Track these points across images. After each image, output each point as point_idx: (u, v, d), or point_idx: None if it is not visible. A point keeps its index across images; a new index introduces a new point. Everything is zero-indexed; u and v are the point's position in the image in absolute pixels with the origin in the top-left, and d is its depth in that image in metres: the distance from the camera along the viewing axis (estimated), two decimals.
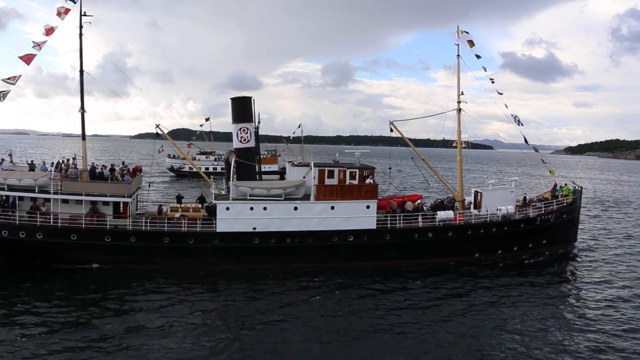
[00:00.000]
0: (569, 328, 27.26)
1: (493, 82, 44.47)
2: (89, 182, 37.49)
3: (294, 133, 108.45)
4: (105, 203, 37.30)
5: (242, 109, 42.05)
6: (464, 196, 45.32)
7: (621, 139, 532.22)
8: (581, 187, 49.04)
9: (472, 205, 44.04)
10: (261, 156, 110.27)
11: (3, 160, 39.06)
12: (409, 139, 45.59)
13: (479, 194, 43.36)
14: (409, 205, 41.29)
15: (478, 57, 44.20)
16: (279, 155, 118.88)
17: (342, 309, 29.30)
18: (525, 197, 47.70)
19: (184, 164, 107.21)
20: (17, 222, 35.05)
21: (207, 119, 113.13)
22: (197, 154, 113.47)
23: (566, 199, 45.37)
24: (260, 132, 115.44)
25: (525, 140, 46.56)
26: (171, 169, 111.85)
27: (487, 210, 41.44)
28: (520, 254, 42.18)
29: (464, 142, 45.06)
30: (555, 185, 48.75)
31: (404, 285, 34.07)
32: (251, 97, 42.46)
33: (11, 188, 36.42)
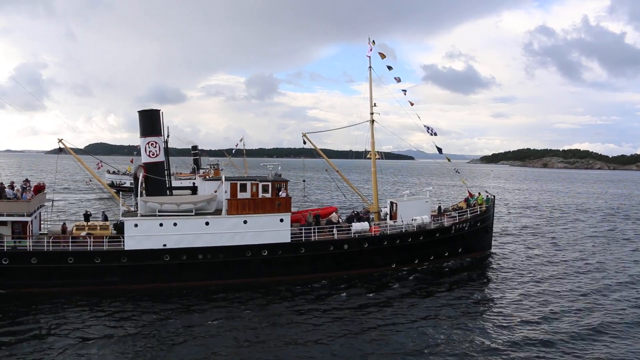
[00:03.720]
0: (487, 334, 27.48)
1: (405, 94, 45.02)
2: None
3: (236, 146, 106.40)
4: (3, 223, 34.80)
5: (150, 122, 40.33)
6: (379, 207, 45.30)
7: (532, 148, 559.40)
8: (494, 196, 50.22)
9: (387, 216, 44.01)
10: (203, 170, 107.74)
11: None
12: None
13: (394, 204, 43.44)
14: (333, 217, 40.90)
15: (390, 68, 44.63)
16: (222, 170, 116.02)
17: (261, 326, 28.22)
18: (440, 207, 48.37)
19: (124, 180, 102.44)
20: None
21: None
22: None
23: (480, 208, 46.20)
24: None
25: (439, 150, 47.21)
26: (112, 185, 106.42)
27: (402, 221, 41.52)
28: (436, 263, 42.44)
29: (379, 152, 45.16)
30: (469, 194, 49.63)
31: (322, 299, 33.36)
32: (159, 110, 40.91)
33: None
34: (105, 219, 40.84)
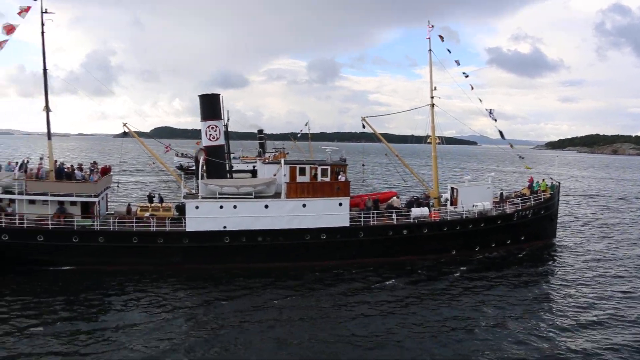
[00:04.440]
0: (548, 326, 26.49)
1: (467, 77, 44.17)
2: (54, 182, 36.62)
3: (301, 130, 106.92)
4: (73, 203, 36.44)
5: (211, 106, 41.04)
6: (440, 193, 44.64)
7: (601, 134, 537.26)
8: (559, 183, 48.66)
9: (448, 202, 43.29)
10: (268, 154, 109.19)
11: None
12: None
13: (455, 190, 42.69)
14: (395, 202, 40.63)
15: (449, 51, 43.75)
16: (287, 153, 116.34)
17: (318, 308, 28.45)
18: (502, 193, 47.20)
19: (192, 163, 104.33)
20: None
21: None
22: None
23: (544, 195, 44.89)
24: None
25: (501, 135, 46.12)
26: (180, 167, 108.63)
27: (463, 207, 40.77)
28: (498, 250, 41.58)
29: (440, 137, 44.48)
30: (532, 180, 48.27)
31: (379, 284, 33.14)
32: (219, 94, 41.55)
33: None
34: (161, 200, 41.91)
